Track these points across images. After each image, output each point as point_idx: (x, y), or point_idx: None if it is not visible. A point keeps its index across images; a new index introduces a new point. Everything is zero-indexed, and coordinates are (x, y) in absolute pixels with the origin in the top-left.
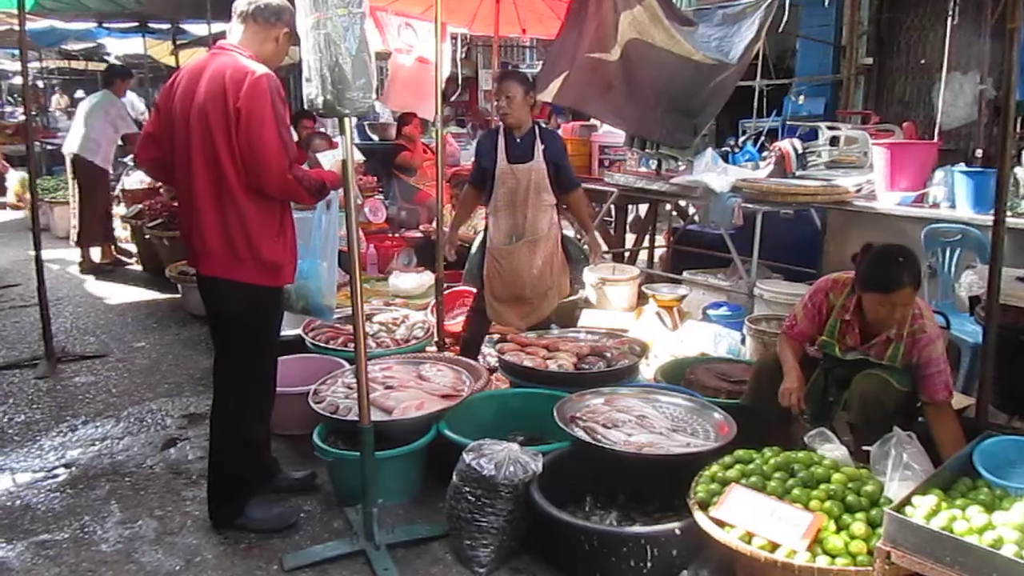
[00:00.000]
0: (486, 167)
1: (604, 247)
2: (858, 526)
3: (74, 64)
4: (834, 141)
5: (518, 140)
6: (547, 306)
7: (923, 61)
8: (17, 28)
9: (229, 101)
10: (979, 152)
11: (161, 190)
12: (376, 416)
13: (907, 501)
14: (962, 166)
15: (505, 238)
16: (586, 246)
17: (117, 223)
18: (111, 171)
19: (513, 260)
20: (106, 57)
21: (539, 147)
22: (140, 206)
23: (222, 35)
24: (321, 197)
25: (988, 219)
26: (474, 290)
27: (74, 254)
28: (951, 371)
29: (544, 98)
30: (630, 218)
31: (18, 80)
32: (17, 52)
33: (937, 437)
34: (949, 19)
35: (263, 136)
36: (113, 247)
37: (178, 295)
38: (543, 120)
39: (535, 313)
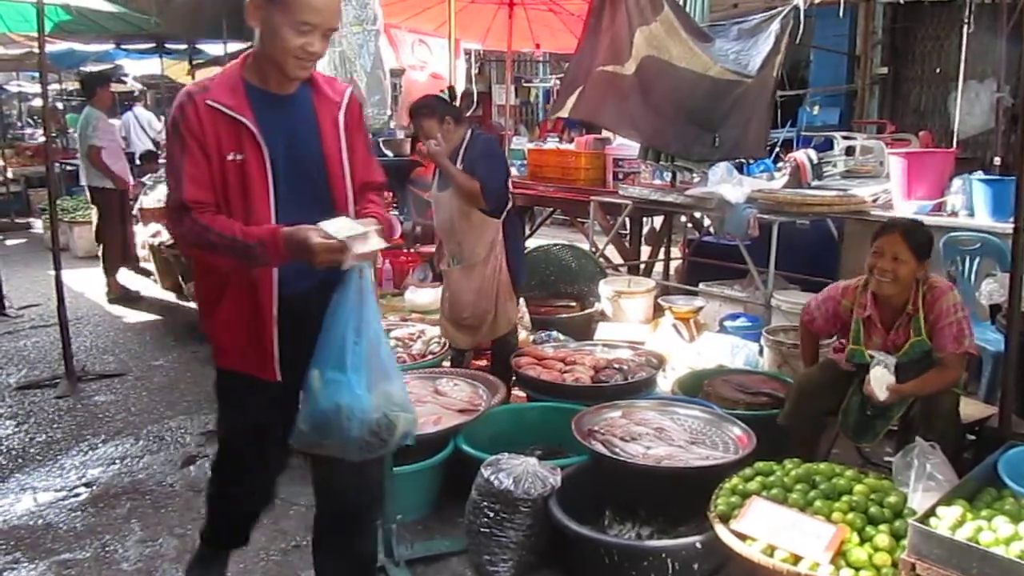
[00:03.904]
0: None
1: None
2: (882, 538)
3: None
4: (850, 151)
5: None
6: (489, 331)
7: (938, 70)
8: (37, 51)
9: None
10: (997, 160)
11: None
12: None
13: (931, 512)
14: (980, 174)
15: (450, 261)
16: (601, 259)
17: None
18: (129, 183)
19: (452, 284)
20: (123, 78)
21: (458, 167)
22: (158, 225)
23: (238, 54)
24: (248, 263)
25: (1008, 227)
26: None
27: (92, 273)
28: (969, 332)
29: (561, 114)
30: (645, 230)
31: (38, 102)
32: (37, 74)
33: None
34: (964, 27)
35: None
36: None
37: (196, 313)
38: (556, 134)
39: (476, 337)
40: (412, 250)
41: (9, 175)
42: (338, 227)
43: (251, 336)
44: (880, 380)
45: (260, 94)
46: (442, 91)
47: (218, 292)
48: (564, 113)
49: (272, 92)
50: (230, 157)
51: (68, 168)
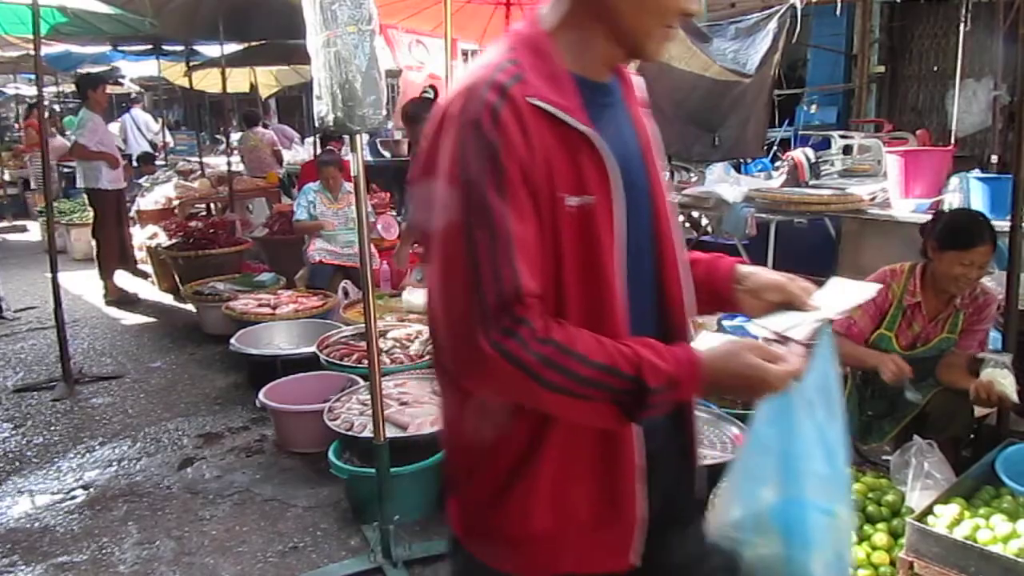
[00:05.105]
0: None
1: None
2: (880, 536)
3: None
4: (847, 150)
5: None
6: None
7: (936, 68)
8: (33, 53)
9: (424, 160)
10: (994, 158)
11: (175, 211)
12: (391, 432)
13: (929, 510)
14: (977, 172)
15: None
16: None
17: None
18: (122, 186)
19: None
20: (121, 80)
21: None
22: (155, 227)
23: (234, 56)
24: (624, 410)
25: (1005, 225)
26: None
27: (90, 276)
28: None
29: None
30: None
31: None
32: (33, 77)
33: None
34: (961, 25)
35: (437, 242)
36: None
37: (193, 315)
38: None
39: None
40: (411, 250)
41: (6, 177)
42: (789, 321)
43: (601, 508)
44: (1008, 381)
45: (586, 88)
46: (425, 90)
47: (525, 446)
48: None
49: (595, 83)
50: (568, 201)
51: (66, 170)
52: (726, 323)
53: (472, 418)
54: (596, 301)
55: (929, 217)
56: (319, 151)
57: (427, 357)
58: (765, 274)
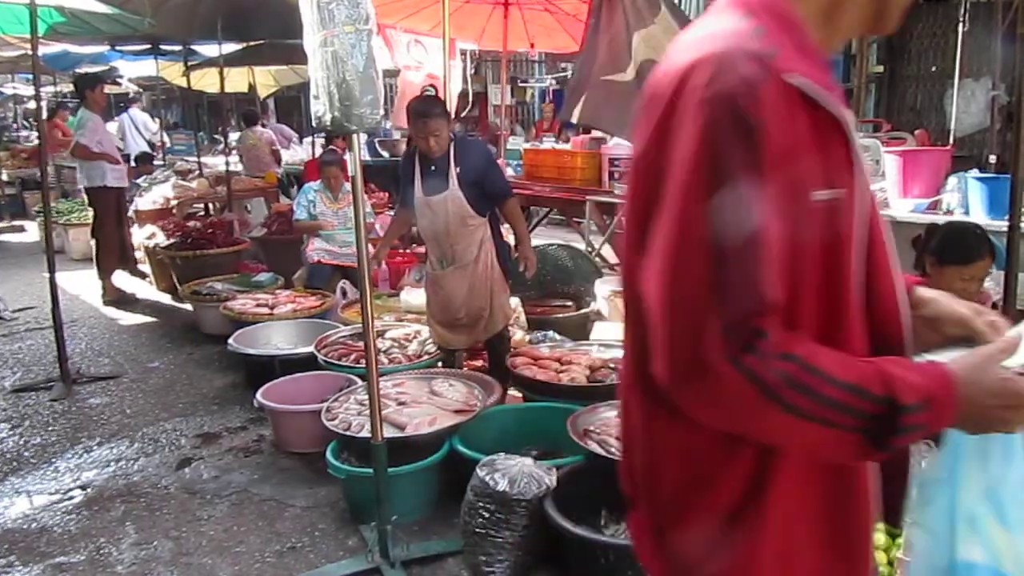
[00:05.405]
0: (408, 193)
1: (534, 261)
2: (877, 537)
3: None
4: None
5: (432, 167)
6: (485, 328)
7: (934, 68)
8: (31, 53)
9: (648, 140)
10: (992, 158)
11: (173, 211)
12: (389, 432)
13: None
14: (976, 172)
15: (437, 264)
16: (597, 258)
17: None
18: (125, 185)
19: (445, 285)
20: (119, 79)
21: (453, 172)
22: (153, 227)
23: (232, 56)
24: (866, 438)
25: (1003, 225)
26: None
27: (88, 276)
28: None
29: (571, 120)
30: None
31: (33, 104)
32: (31, 76)
33: None
34: (960, 26)
35: (668, 236)
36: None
37: (191, 315)
38: (554, 134)
39: (472, 335)
40: (408, 250)
41: (4, 177)
42: None
43: (833, 561)
44: None
45: (828, 64)
46: (425, 89)
47: (748, 486)
48: (573, 119)
49: (830, 59)
50: (817, 195)
51: (65, 170)
52: None
53: (682, 447)
54: (833, 312)
55: (927, 217)
56: (320, 151)
57: (425, 357)
58: (948, 303)
